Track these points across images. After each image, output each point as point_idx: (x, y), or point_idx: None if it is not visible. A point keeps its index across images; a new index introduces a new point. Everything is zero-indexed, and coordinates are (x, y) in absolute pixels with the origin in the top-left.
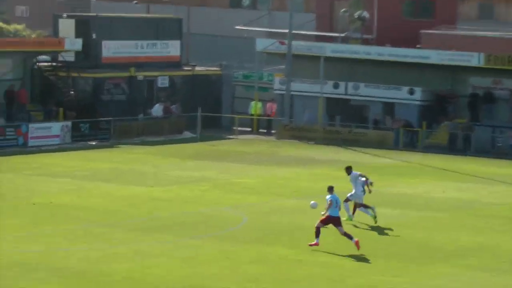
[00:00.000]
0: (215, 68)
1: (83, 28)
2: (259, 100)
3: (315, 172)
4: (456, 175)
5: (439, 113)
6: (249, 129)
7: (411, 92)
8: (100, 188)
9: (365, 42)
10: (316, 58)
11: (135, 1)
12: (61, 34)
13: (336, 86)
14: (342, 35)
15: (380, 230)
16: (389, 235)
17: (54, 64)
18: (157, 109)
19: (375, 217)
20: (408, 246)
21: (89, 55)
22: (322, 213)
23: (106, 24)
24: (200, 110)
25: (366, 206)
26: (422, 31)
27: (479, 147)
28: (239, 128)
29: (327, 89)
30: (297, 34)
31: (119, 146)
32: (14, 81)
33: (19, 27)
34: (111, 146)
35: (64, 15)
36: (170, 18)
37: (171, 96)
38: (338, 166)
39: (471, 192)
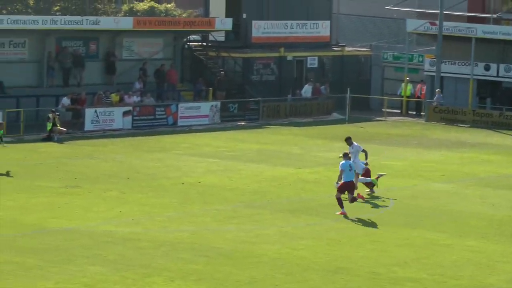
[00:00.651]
0: (364, 49)
1: (233, 7)
2: (409, 82)
3: (464, 155)
4: None
5: None
6: (398, 111)
7: None
8: (248, 169)
9: None
10: (467, 40)
11: None
12: (211, 14)
13: (487, 68)
14: (495, 16)
15: None
16: None
17: (204, 43)
18: (306, 90)
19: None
20: None
21: (239, 35)
22: (337, 182)
23: (257, 4)
24: (349, 91)
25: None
26: None
27: None
28: (388, 110)
29: (478, 71)
30: (448, 14)
31: (267, 126)
32: (165, 60)
33: (170, 6)
34: (259, 127)
35: None
36: None
37: (320, 77)
38: (488, 150)
39: None
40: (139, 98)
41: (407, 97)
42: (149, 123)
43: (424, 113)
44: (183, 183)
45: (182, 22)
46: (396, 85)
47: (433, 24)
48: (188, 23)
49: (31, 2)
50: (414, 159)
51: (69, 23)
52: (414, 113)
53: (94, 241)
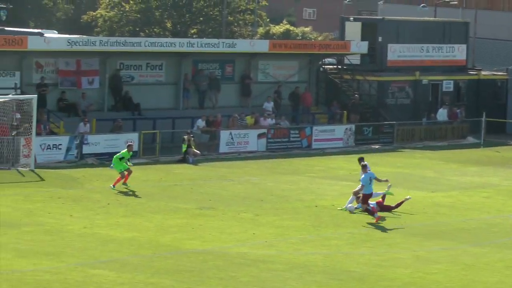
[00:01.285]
0: (501, 73)
1: (369, 31)
2: None
3: None
4: None
5: None
6: None
7: None
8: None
9: None
10: None
11: (422, 4)
12: (347, 37)
13: None
14: None
15: None
16: None
17: (339, 66)
18: (441, 113)
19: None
20: None
21: (374, 58)
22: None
23: (393, 27)
24: (484, 115)
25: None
26: None
27: None
28: None
29: None
30: None
31: (401, 150)
32: (300, 83)
33: (306, 29)
34: (393, 150)
35: (351, 18)
36: (457, 22)
37: (456, 100)
38: None
39: None
40: (273, 121)
41: None
42: (283, 145)
43: None
44: (316, 206)
45: (318, 45)
46: None
47: None
48: (324, 46)
49: (169, 25)
50: None
51: (206, 45)
52: None
53: (227, 262)
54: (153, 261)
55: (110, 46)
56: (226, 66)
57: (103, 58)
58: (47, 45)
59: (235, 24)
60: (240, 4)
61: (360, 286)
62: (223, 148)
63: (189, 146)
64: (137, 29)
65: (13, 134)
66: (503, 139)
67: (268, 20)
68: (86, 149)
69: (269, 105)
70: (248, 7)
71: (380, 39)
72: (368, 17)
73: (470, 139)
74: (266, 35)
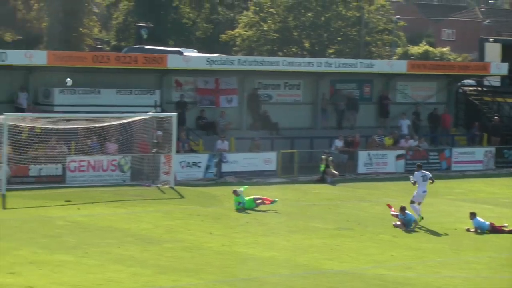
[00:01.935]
0: None
1: (509, 52)
2: None
3: None
4: None
5: None
6: None
7: None
8: None
9: None
10: None
11: None
12: (486, 58)
13: None
14: None
15: None
16: None
17: (479, 88)
18: None
19: (421, 218)
20: None
21: None
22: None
23: None
24: None
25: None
26: None
27: None
28: None
29: None
30: None
31: None
32: (438, 104)
33: (445, 50)
34: None
35: (491, 39)
36: None
37: None
38: None
39: None
40: (416, 142)
41: None
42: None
43: None
44: (455, 229)
45: (457, 66)
46: None
47: None
48: (463, 67)
49: (307, 45)
50: None
51: (344, 65)
52: None
53: (365, 284)
54: (292, 280)
55: (249, 65)
56: (364, 86)
57: (241, 77)
58: (187, 64)
59: (373, 44)
60: (378, 24)
61: None
62: (361, 169)
63: (327, 166)
64: (275, 48)
65: (153, 151)
66: None
67: (406, 40)
68: (225, 167)
69: (404, 123)
70: (386, 27)
71: None
72: (509, 38)
73: None
74: (405, 56)
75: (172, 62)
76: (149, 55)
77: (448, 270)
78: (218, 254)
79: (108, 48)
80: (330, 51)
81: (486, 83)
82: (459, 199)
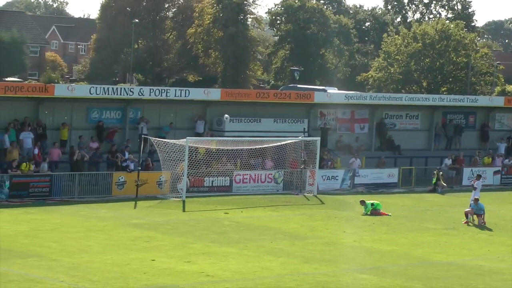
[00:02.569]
0: None
1: None
2: None
3: None
4: None
5: None
6: None
7: None
8: None
9: None
10: None
11: None
12: None
13: None
14: None
15: None
16: None
17: None
18: None
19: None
20: None
21: None
22: None
23: None
24: None
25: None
26: None
27: None
28: None
29: None
30: None
31: None
32: None
33: None
34: None
35: None
36: None
37: None
38: None
39: None
40: (509, 161)
41: None
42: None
43: None
44: None
45: None
46: None
47: None
48: None
49: (424, 84)
50: None
51: (453, 100)
52: None
53: (466, 272)
54: (407, 269)
55: (378, 100)
56: (469, 116)
57: (372, 109)
58: (329, 99)
59: (477, 84)
60: (482, 68)
61: None
62: (465, 182)
63: (438, 179)
64: (399, 87)
65: (301, 167)
66: None
67: (504, 80)
68: (357, 180)
69: (502, 146)
70: (488, 70)
71: None
72: None
73: None
74: (502, 93)
75: (318, 98)
76: (300, 92)
77: None
78: (350, 248)
79: (268, 87)
80: (443, 89)
81: None
82: None
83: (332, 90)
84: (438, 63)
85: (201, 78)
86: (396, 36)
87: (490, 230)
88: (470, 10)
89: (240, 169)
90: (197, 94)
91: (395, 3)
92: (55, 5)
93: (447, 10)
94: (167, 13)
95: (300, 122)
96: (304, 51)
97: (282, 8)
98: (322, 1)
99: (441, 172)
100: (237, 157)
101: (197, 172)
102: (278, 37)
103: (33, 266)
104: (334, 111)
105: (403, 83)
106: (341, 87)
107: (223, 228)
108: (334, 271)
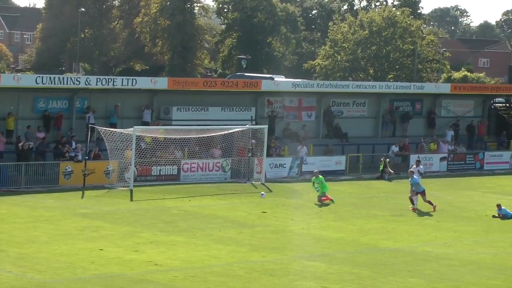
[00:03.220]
0: None
1: None
2: None
3: None
4: None
5: None
6: None
7: None
8: None
9: None
10: None
11: None
12: None
13: None
14: None
15: None
16: None
17: (507, 104)
18: None
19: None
20: None
21: None
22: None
23: None
24: None
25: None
26: None
27: None
28: None
29: None
30: None
31: None
32: (474, 118)
33: (481, 75)
34: None
35: None
36: None
37: None
38: None
39: None
40: (452, 147)
41: None
42: (460, 167)
43: None
44: (486, 215)
45: (490, 87)
46: None
47: None
48: (495, 88)
49: (371, 71)
50: None
51: (400, 87)
52: None
53: (414, 258)
54: (355, 256)
55: (325, 88)
56: (416, 103)
57: (319, 97)
58: (276, 87)
59: (424, 71)
60: (428, 55)
61: None
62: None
63: (385, 167)
64: (346, 74)
65: (249, 155)
66: None
67: (450, 67)
68: (305, 168)
69: (449, 133)
70: (435, 57)
71: None
72: None
73: None
74: (448, 80)
75: (265, 86)
76: (247, 80)
77: (480, 247)
78: (298, 235)
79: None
80: (389, 76)
81: None
82: (490, 192)
83: (279, 78)
84: (384, 51)
85: (148, 67)
86: (342, 24)
87: (430, 215)
88: None
89: (187, 158)
90: (144, 83)
91: None
92: None
93: None
94: (114, 2)
95: (248, 111)
96: (251, 39)
97: None
98: None
99: (388, 159)
100: (185, 145)
101: (145, 161)
102: (225, 26)
103: None
104: (282, 99)
105: (350, 70)
106: (288, 75)
107: (171, 217)
108: (282, 258)
